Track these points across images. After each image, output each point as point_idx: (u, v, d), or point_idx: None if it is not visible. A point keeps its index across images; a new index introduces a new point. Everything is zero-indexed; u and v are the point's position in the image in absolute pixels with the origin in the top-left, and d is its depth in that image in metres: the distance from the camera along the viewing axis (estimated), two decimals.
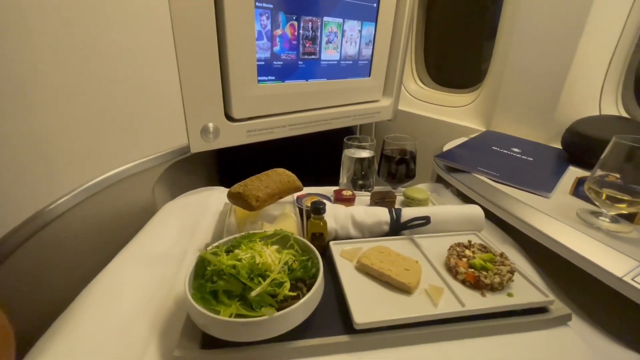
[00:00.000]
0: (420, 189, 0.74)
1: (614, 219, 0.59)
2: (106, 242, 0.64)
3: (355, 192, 0.72)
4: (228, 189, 0.60)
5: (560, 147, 0.95)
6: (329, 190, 0.76)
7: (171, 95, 0.72)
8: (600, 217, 0.59)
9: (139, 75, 0.66)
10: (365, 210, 0.61)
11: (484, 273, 0.47)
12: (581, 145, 0.85)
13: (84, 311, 0.45)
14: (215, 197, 0.77)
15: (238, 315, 0.37)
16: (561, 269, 0.55)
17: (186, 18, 0.68)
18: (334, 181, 0.87)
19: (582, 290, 0.53)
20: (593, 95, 0.97)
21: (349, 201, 0.70)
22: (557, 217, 0.60)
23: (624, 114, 0.94)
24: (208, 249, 0.46)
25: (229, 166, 1.30)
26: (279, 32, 0.86)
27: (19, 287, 0.59)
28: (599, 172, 0.58)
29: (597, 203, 0.59)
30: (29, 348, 0.41)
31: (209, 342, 0.38)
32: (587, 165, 0.84)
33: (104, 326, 0.43)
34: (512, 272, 0.47)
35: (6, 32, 0.49)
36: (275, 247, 0.46)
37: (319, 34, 0.94)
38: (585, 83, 0.96)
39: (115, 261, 0.55)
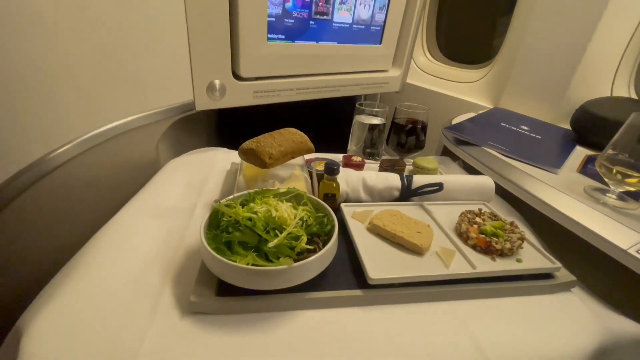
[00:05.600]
0: (429, 159, 0.73)
1: (621, 197, 0.59)
2: (110, 195, 0.62)
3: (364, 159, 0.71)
4: (236, 149, 0.58)
5: (567, 127, 0.95)
6: (336, 157, 0.75)
7: (178, 48, 0.68)
8: (607, 194, 0.60)
9: (146, 25, 0.61)
10: (376, 175, 0.60)
11: (495, 239, 0.47)
12: (591, 125, 0.84)
13: (93, 259, 0.44)
14: (221, 157, 0.76)
15: (254, 265, 0.37)
16: (563, 243, 0.56)
17: None
18: (339, 150, 0.85)
19: (581, 262, 0.55)
20: (606, 76, 0.95)
21: (358, 167, 0.69)
22: (565, 191, 0.61)
23: (634, 97, 0.94)
24: (222, 201, 0.45)
25: (230, 130, 1.27)
26: None
27: (22, 234, 0.58)
28: (610, 151, 0.59)
29: (606, 179, 0.60)
30: (34, 295, 0.40)
31: (224, 290, 0.39)
32: (594, 145, 0.84)
33: (115, 274, 0.42)
34: (522, 239, 0.48)
35: None
36: (289, 203, 0.46)
37: None
38: (600, 64, 0.94)
39: (122, 212, 0.54)
